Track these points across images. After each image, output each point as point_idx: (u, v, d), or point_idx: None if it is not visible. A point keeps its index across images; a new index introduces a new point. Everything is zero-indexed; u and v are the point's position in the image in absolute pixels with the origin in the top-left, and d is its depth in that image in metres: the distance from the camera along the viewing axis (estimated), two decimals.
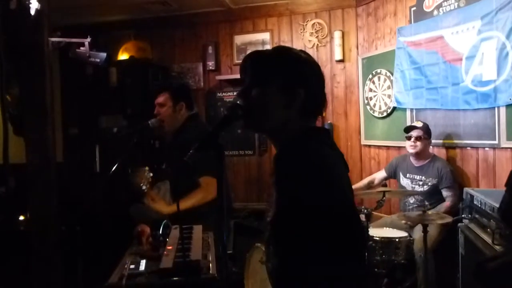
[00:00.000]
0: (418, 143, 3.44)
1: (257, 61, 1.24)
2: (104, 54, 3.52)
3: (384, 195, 3.18)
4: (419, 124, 3.50)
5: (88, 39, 3.38)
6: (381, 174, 3.86)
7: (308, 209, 1.03)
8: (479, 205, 2.60)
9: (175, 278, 1.70)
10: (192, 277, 1.71)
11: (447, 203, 3.30)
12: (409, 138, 3.48)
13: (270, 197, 1.21)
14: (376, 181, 3.84)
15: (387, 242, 3.15)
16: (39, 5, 2.84)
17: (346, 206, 1.10)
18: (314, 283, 1.03)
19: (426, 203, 3.38)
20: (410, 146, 3.49)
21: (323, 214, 1.03)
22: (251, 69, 1.23)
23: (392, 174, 3.76)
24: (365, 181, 3.92)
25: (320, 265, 1.03)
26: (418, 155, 3.49)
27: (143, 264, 1.86)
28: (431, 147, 3.65)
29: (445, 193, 3.35)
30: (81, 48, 3.40)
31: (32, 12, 2.93)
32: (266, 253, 1.20)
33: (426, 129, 3.47)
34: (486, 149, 3.23)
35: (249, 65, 1.24)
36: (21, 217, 3.60)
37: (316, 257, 1.03)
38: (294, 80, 1.18)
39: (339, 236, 1.05)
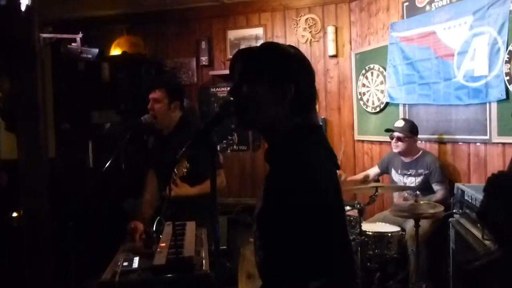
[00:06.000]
0: (400, 143, 3.48)
1: (245, 58, 1.24)
2: (96, 50, 3.51)
3: (376, 191, 3.20)
4: (400, 124, 3.52)
5: (80, 35, 3.36)
6: (374, 170, 3.88)
7: (292, 207, 1.05)
8: (470, 200, 2.63)
9: (168, 275, 1.71)
10: (185, 273, 1.72)
11: (437, 195, 3.31)
12: (391, 138, 3.54)
13: (258, 191, 1.22)
14: (370, 177, 3.86)
15: (380, 236, 3.19)
16: (30, 1, 2.82)
17: (329, 206, 1.11)
18: (297, 278, 1.04)
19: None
20: (393, 146, 3.56)
21: (305, 212, 1.05)
22: (240, 67, 1.22)
23: (385, 170, 3.78)
24: (361, 175, 3.94)
25: (301, 262, 1.04)
26: (404, 153, 3.52)
27: (136, 261, 1.87)
28: (423, 142, 3.68)
29: (435, 187, 3.38)
30: (73, 44, 3.39)
31: (23, 8, 2.90)
32: (254, 246, 1.20)
33: (409, 128, 3.47)
34: (478, 144, 3.25)
35: (238, 63, 1.24)
36: (14, 214, 3.58)
37: (295, 255, 1.04)
38: (283, 76, 1.18)
39: (320, 234, 1.06)
